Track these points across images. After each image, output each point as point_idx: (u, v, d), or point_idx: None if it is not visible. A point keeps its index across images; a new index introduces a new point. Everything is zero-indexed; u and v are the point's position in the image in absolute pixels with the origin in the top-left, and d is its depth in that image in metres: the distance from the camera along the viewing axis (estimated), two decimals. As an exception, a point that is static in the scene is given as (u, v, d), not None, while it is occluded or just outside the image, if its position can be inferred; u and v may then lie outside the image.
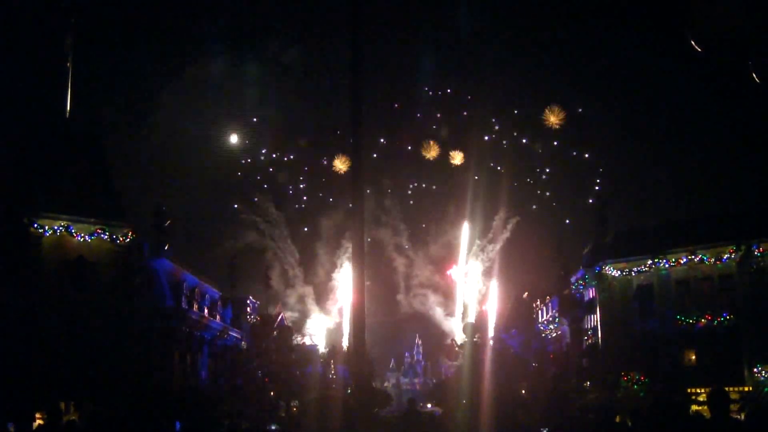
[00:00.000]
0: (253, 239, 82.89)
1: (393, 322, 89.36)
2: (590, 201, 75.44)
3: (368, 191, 77.09)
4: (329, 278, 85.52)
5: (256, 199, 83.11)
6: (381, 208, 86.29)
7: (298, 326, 75.07)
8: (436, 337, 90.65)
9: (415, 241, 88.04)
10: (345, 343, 69.20)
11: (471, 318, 67.59)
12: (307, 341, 68.49)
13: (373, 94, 75.26)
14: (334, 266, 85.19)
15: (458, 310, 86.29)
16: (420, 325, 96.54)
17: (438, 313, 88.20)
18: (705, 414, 10.25)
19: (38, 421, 30.40)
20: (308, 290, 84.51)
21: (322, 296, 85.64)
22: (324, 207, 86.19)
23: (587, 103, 79.20)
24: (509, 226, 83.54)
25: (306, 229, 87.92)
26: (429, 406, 62.72)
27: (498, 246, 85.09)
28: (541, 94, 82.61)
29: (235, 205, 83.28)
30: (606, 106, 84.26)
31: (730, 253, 46.71)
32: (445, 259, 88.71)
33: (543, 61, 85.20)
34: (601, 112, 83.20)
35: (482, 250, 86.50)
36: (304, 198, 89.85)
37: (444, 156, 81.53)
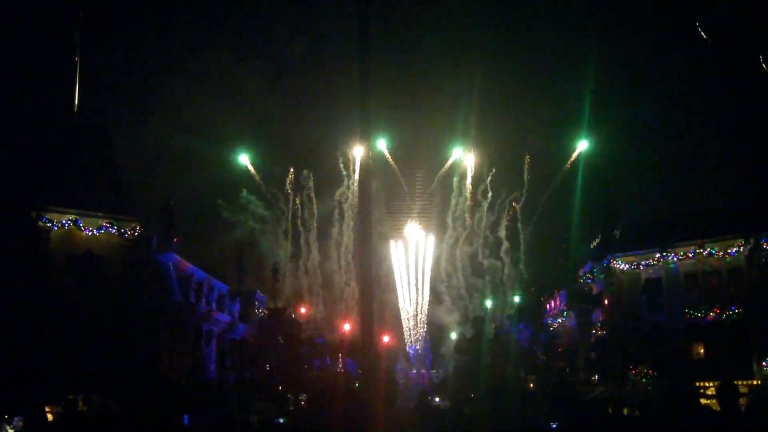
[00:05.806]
0: (256, 234, 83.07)
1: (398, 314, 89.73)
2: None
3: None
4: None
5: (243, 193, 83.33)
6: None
7: (306, 319, 75.12)
8: (440, 330, 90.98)
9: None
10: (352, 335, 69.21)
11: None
12: (315, 334, 68.46)
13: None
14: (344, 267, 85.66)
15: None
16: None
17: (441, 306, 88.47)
18: (714, 407, 10.20)
19: (48, 416, 30.44)
20: (313, 283, 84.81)
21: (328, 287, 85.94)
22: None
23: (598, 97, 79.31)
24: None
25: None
26: (437, 399, 62.65)
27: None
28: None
29: (219, 201, 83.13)
30: (615, 100, 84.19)
31: (739, 246, 46.56)
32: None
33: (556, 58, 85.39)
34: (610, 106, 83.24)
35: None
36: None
37: None
